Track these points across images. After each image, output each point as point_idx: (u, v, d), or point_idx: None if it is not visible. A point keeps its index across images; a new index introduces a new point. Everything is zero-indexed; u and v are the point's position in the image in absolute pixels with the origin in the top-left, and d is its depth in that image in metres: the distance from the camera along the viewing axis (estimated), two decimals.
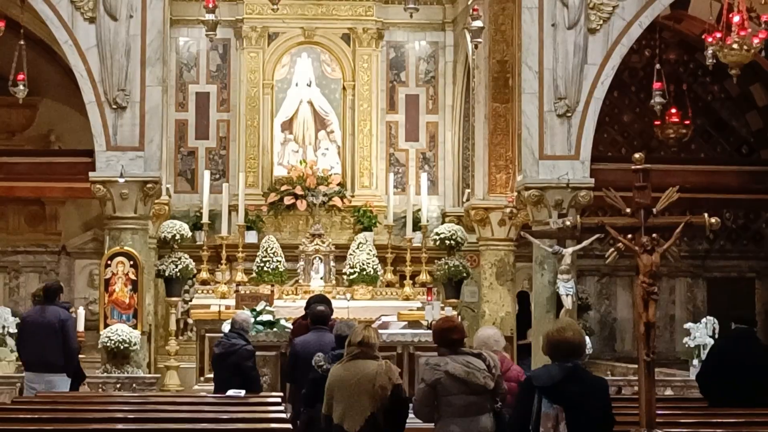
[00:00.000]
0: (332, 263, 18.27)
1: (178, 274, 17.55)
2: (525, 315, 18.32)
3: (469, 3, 17.98)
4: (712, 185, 17.18)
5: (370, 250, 18.47)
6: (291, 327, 14.47)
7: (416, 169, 20.35)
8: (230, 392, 11.57)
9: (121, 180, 15.43)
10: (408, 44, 20.72)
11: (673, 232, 8.00)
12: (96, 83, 15.47)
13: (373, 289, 18.21)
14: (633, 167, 8.12)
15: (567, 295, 15.20)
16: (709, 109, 22.59)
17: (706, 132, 22.59)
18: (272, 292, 17.06)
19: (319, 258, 18.12)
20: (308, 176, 19.80)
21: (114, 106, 15.45)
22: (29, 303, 17.35)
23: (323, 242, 18.25)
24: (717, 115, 22.67)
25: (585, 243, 15.19)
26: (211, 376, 13.58)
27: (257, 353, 12.80)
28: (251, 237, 19.31)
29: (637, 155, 8.24)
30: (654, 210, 8.01)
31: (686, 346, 15.33)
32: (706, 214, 8.12)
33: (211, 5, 14.69)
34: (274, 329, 14.93)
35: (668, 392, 14.51)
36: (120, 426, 9.46)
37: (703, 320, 15.42)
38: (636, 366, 10.59)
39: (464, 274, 18.41)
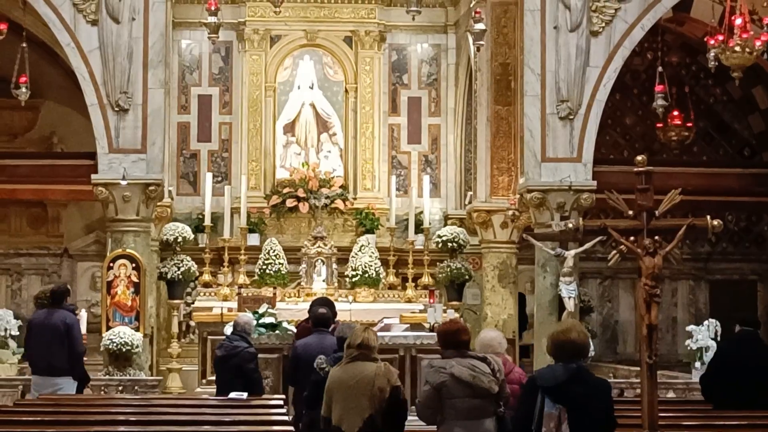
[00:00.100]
0: (334, 266, 18.28)
1: (181, 276, 17.54)
2: (521, 317, 18.35)
3: (471, 6, 17.99)
4: (714, 188, 17.19)
5: (372, 252, 18.48)
6: (293, 329, 14.48)
7: (418, 172, 20.35)
8: (232, 395, 11.58)
9: (123, 182, 15.44)
10: (410, 47, 20.71)
11: (675, 234, 7.99)
12: (98, 86, 15.49)
13: (375, 292, 18.23)
14: (635, 170, 8.11)
15: (569, 297, 15.21)
16: (712, 111, 22.59)
17: (708, 135, 22.59)
18: (274, 294, 17.05)
19: (322, 260, 18.12)
20: (310, 179, 19.80)
21: (116, 109, 15.47)
22: (31, 305, 17.32)
23: (325, 245, 18.25)
24: (719, 118, 22.67)
25: (587, 245, 15.19)
26: (214, 378, 13.56)
27: (259, 356, 12.79)
28: (253, 239, 19.30)
29: (639, 158, 8.23)
30: (656, 212, 8.00)
31: (688, 348, 15.31)
32: (708, 217, 8.11)
33: (213, 8, 14.69)
34: (277, 332, 14.93)
35: (670, 395, 14.51)
36: (122, 429, 9.45)
37: (705, 323, 15.40)
38: (638, 368, 10.60)
39: (466, 277, 18.40)
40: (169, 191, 17.99)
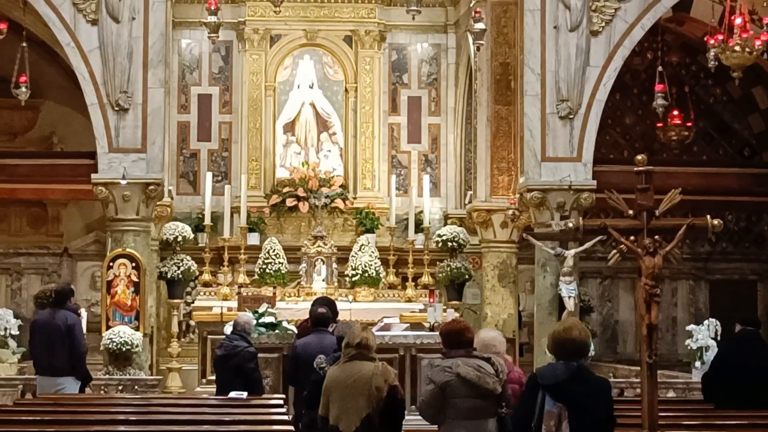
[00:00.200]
0: (334, 265, 18.28)
1: (180, 276, 17.55)
2: None
3: (471, 5, 17.98)
4: (714, 187, 17.19)
5: (372, 252, 18.48)
6: (293, 329, 14.48)
7: (418, 171, 20.35)
8: (232, 394, 11.58)
9: (123, 182, 15.44)
10: (410, 46, 20.71)
11: (675, 234, 7.98)
12: (98, 85, 15.49)
13: (375, 291, 18.23)
14: (635, 169, 8.10)
15: (569, 297, 15.21)
16: (711, 111, 22.58)
17: (708, 134, 22.58)
18: (274, 294, 17.06)
19: (321, 260, 18.12)
20: (310, 178, 19.80)
21: (116, 108, 15.47)
22: (31, 305, 17.35)
23: (325, 244, 18.25)
24: (719, 118, 22.66)
25: (587, 245, 15.19)
26: (213, 378, 13.56)
27: (259, 355, 12.78)
28: (253, 239, 19.31)
29: (639, 157, 8.23)
30: (656, 212, 7.99)
31: (688, 348, 15.31)
32: (708, 217, 8.10)
33: (213, 7, 14.69)
34: (276, 331, 14.93)
35: (670, 394, 14.51)
36: (122, 428, 9.46)
37: (705, 322, 15.40)
38: (638, 368, 10.62)
39: (466, 276, 18.41)
40: (169, 191, 17.99)
